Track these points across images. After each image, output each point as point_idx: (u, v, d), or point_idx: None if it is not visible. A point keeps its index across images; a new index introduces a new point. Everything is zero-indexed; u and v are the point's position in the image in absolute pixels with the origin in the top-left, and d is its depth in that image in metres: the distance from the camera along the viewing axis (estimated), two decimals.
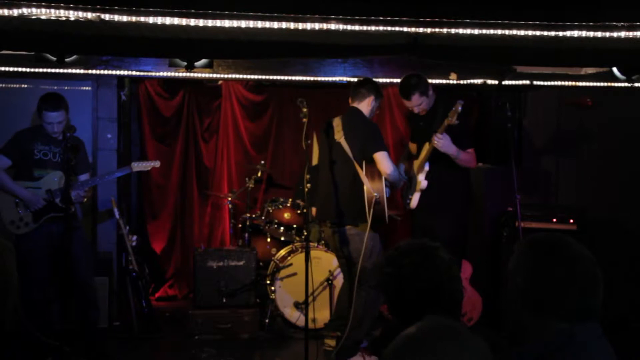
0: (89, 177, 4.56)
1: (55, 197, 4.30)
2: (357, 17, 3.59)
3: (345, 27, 3.62)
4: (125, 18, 3.43)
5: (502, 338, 4.89)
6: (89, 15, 3.40)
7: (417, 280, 1.88)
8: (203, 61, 4.50)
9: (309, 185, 4.09)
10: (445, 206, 4.44)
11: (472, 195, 4.74)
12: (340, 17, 3.58)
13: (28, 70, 4.99)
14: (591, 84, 5.41)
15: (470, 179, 4.71)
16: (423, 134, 4.53)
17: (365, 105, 4.43)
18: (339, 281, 5.15)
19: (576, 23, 3.69)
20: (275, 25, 3.56)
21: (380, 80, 5.79)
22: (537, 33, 3.71)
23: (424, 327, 1.89)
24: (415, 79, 4.48)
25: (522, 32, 3.71)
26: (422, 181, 4.42)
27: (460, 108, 4.13)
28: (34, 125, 4.55)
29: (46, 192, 4.30)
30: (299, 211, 5.62)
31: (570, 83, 5.50)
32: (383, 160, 4.21)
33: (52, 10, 3.36)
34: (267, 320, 5.22)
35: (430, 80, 5.37)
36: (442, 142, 4.23)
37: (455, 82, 5.46)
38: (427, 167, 4.43)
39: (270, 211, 5.65)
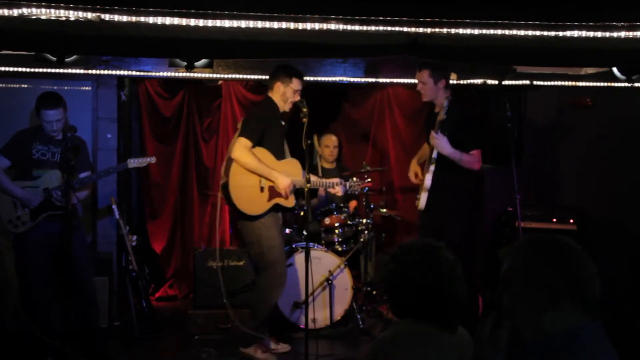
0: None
1: (51, 195, 4.31)
2: (357, 17, 3.60)
3: (345, 27, 3.63)
4: (125, 18, 3.44)
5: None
6: (89, 15, 3.40)
7: (420, 278, 1.89)
8: (203, 61, 4.50)
9: (309, 185, 4.09)
10: (452, 208, 4.36)
11: (482, 197, 4.67)
12: (340, 17, 3.59)
13: (28, 70, 5.00)
14: (591, 84, 5.41)
15: (480, 180, 4.64)
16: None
17: (276, 93, 4.42)
18: (339, 281, 5.15)
19: (576, 23, 3.70)
20: (275, 25, 3.57)
21: (380, 80, 5.81)
22: (537, 33, 3.72)
23: (395, 331, 1.93)
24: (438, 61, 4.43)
25: (522, 32, 3.71)
26: (426, 181, 4.37)
27: (446, 103, 4.17)
28: (34, 126, 4.55)
29: (43, 191, 4.30)
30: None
31: (570, 83, 5.50)
32: (235, 143, 4.29)
33: (52, 10, 3.36)
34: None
35: None
36: (437, 141, 4.19)
37: (455, 82, 5.46)
38: (432, 168, 4.37)
39: None
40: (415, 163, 4.78)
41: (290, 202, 4.43)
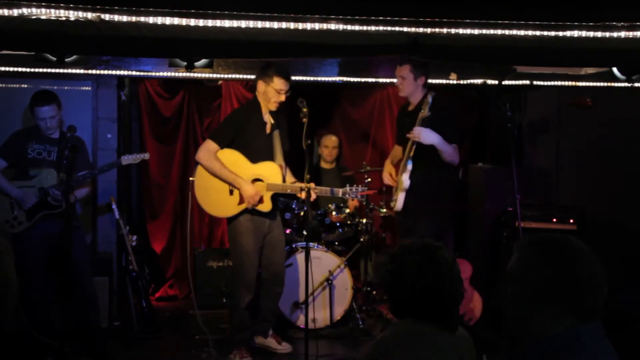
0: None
1: (48, 194, 4.30)
2: (357, 17, 3.59)
3: (345, 27, 3.62)
4: (125, 18, 3.43)
5: (502, 338, 4.89)
6: (89, 15, 3.40)
7: (419, 278, 1.89)
8: (203, 61, 4.49)
9: (309, 185, 4.08)
10: (430, 207, 4.33)
11: (460, 195, 4.66)
12: (340, 17, 3.58)
13: (28, 70, 4.99)
14: (591, 84, 5.41)
15: (458, 179, 4.64)
16: (407, 131, 4.43)
17: (259, 92, 4.40)
18: (339, 281, 5.15)
19: (576, 23, 3.69)
20: (275, 25, 3.56)
21: (381, 80, 5.81)
22: (537, 33, 3.71)
23: (392, 332, 1.93)
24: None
25: (522, 32, 3.71)
26: (405, 181, 4.32)
27: (430, 99, 4.18)
28: (30, 126, 4.57)
29: (38, 190, 4.30)
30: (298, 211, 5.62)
31: (570, 83, 5.50)
32: (201, 145, 4.41)
33: (52, 10, 3.36)
34: None
35: (430, 80, 5.38)
36: (419, 133, 4.16)
37: (455, 82, 5.46)
38: (409, 167, 4.33)
39: None
40: (389, 164, 4.74)
41: (265, 207, 4.33)
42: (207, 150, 4.30)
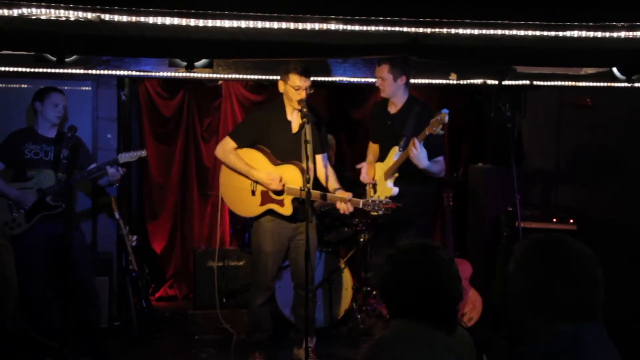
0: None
1: (45, 195, 4.30)
2: (357, 17, 3.59)
3: (345, 27, 3.62)
4: (125, 18, 3.43)
5: (501, 338, 4.89)
6: (89, 15, 3.39)
7: (417, 278, 1.89)
8: (203, 61, 4.49)
9: (309, 185, 4.07)
10: (412, 216, 4.22)
11: (440, 207, 4.64)
12: (340, 17, 3.58)
13: (28, 70, 4.99)
14: (591, 84, 5.40)
15: (439, 187, 4.59)
16: (390, 134, 4.34)
17: (283, 93, 4.31)
18: (339, 281, 5.15)
19: (576, 23, 3.69)
20: (275, 25, 3.56)
21: None
22: (537, 33, 3.71)
23: (389, 332, 1.93)
24: (399, 57, 4.16)
25: (522, 32, 3.70)
26: (392, 188, 4.21)
27: (447, 119, 3.90)
28: (25, 127, 4.58)
29: (37, 191, 4.30)
30: None
31: (570, 83, 5.49)
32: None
33: (52, 10, 3.36)
34: None
35: (430, 81, 5.38)
36: (419, 154, 3.97)
37: (455, 82, 5.45)
38: (396, 175, 4.22)
39: None
40: (371, 163, 4.55)
41: (286, 210, 4.22)
42: (224, 146, 4.32)
